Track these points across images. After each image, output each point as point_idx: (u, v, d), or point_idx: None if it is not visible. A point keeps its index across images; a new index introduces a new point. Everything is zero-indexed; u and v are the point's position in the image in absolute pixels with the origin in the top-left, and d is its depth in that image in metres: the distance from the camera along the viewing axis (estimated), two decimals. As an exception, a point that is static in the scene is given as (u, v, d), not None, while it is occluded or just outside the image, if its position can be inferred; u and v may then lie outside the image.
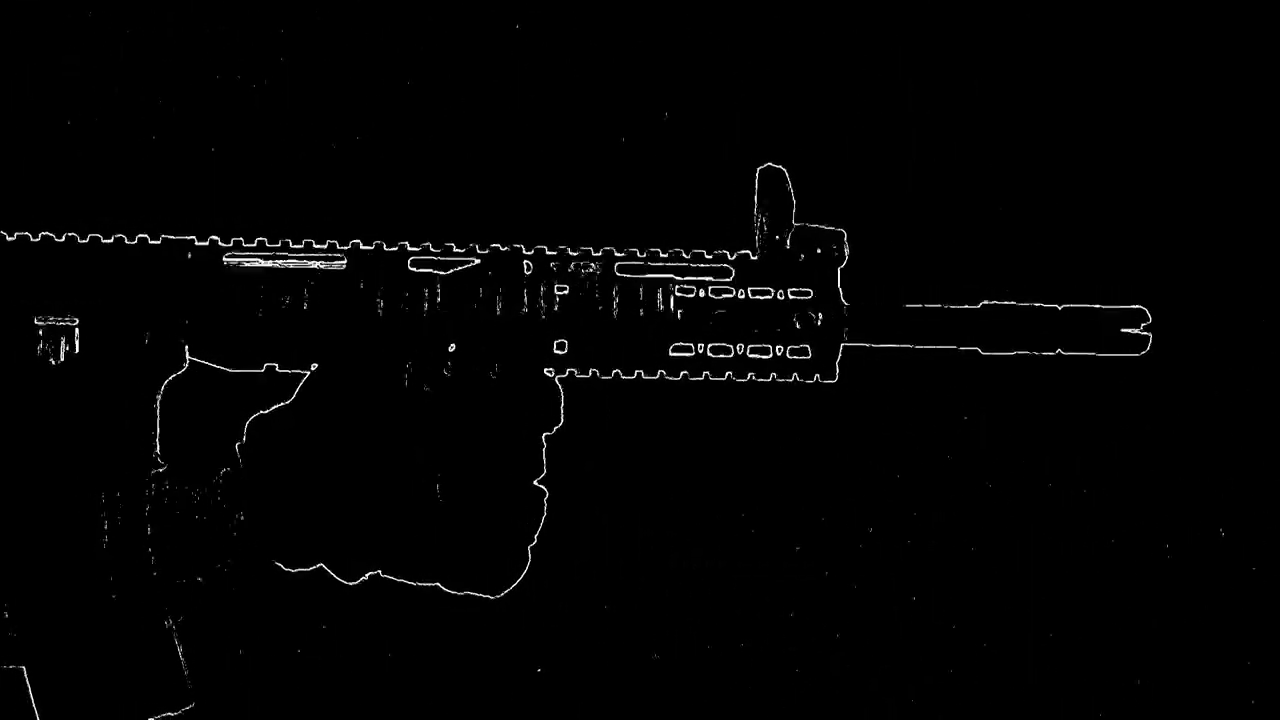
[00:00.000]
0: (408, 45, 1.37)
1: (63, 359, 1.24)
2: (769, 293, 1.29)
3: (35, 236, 1.25)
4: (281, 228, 1.28)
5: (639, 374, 1.29)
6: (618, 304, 1.28)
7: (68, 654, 1.24)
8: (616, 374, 1.28)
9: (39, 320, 1.24)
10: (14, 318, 1.24)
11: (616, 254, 1.29)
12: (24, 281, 1.24)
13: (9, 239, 1.25)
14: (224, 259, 1.26)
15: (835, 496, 1.37)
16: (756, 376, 1.29)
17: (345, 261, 1.27)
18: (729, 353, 1.29)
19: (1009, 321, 1.29)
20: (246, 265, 1.26)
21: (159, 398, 1.25)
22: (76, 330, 1.24)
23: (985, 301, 1.30)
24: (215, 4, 1.37)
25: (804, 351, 1.29)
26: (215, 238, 1.26)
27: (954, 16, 1.40)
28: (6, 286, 1.24)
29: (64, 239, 1.25)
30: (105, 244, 1.25)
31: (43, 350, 1.24)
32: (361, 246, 1.27)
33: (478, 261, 1.28)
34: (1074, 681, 1.38)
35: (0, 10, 1.36)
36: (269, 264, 1.26)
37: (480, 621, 1.34)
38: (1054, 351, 1.30)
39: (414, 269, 1.27)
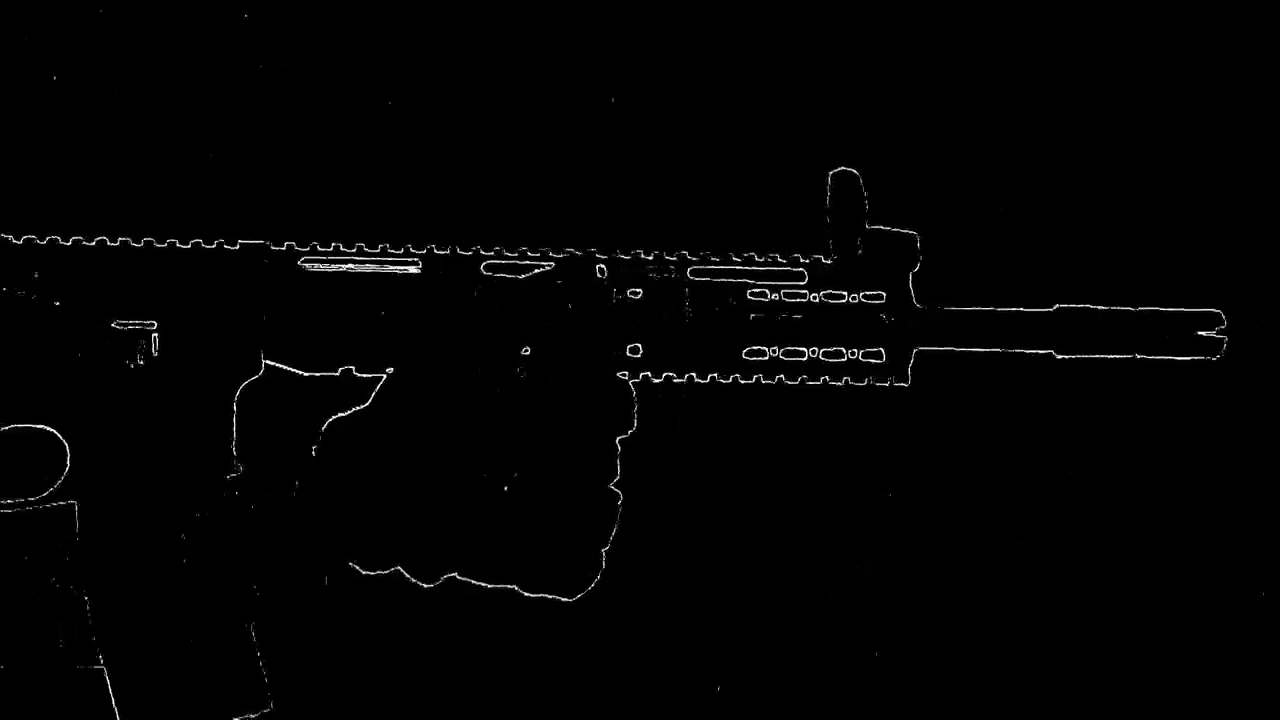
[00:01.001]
0: (472, 49, 1.38)
1: (141, 363, 1.25)
2: (842, 296, 1.29)
3: (113, 241, 1.26)
4: (354, 232, 1.29)
5: (712, 377, 1.29)
6: (691, 308, 1.29)
7: (148, 655, 1.25)
8: (690, 377, 1.29)
9: (117, 324, 1.25)
10: (93, 322, 1.25)
11: (690, 258, 1.29)
12: (103, 286, 1.25)
13: (88, 244, 1.26)
14: (300, 263, 1.27)
15: (907, 499, 1.37)
16: (829, 380, 1.29)
17: (420, 266, 1.28)
18: (802, 356, 1.29)
19: (1084, 324, 1.29)
20: (322, 269, 1.27)
21: (236, 401, 1.26)
22: (155, 335, 1.25)
23: (1059, 304, 1.30)
24: (290, 9, 1.38)
25: (877, 355, 1.29)
26: (291, 242, 1.27)
27: (1020, 19, 1.40)
28: (86, 291, 1.25)
29: (142, 244, 1.26)
30: (182, 249, 1.26)
31: (121, 354, 1.25)
32: (436, 251, 1.28)
33: (552, 266, 1.28)
34: (1152, 682, 1.37)
35: (54, 13, 1.37)
36: (345, 268, 1.27)
37: (544, 623, 1.34)
38: (1129, 355, 1.29)
39: (488, 273, 1.28)
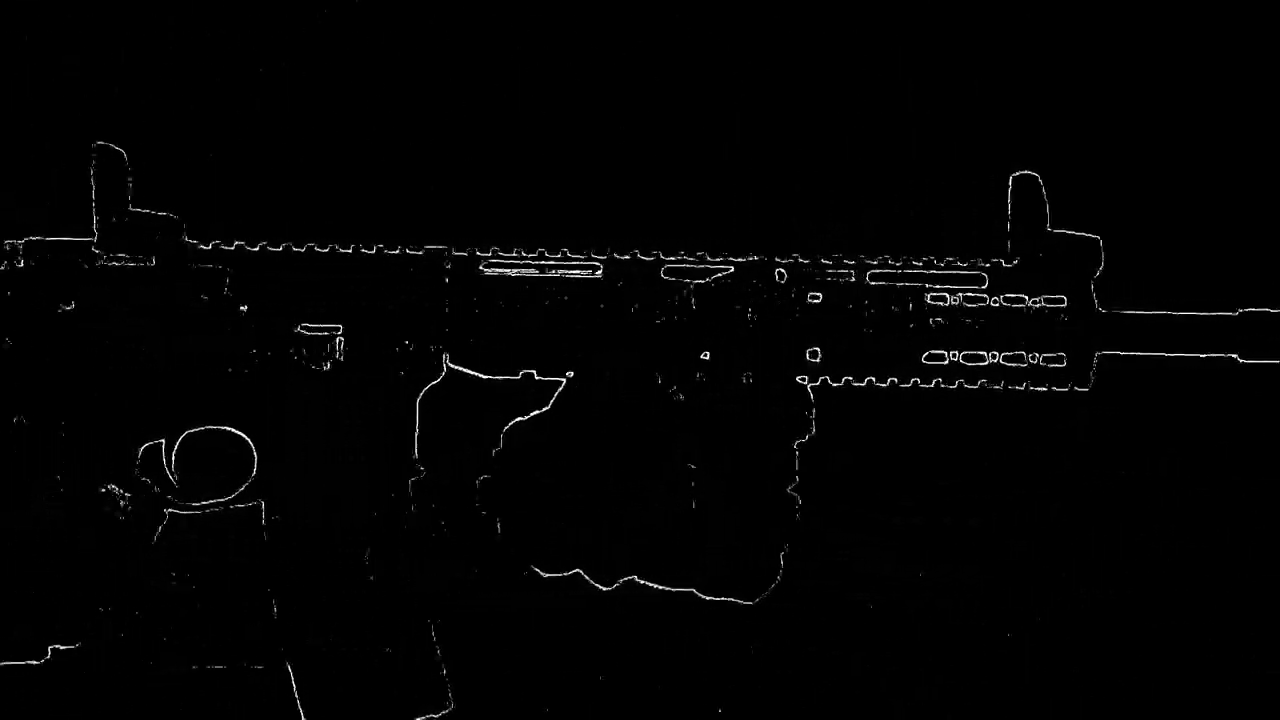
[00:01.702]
0: (645, 61, 1.38)
1: (326, 366, 1.27)
2: (1023, 300, 1.28)
3: (299, 247, 1.27)
4: (533, 237, 1.30)
5: (891, 381, 1.28)
6: (871, 312, 1.28)
7: (331, 654, 1.26)
8: (869, 381, 1.28)
9: (303, 328, 1.27)
10: (280, 326, 1.26)
11: (869, 261, 1.29)
12: (289, 290, 1.27)
13: (274, 249, 1.27)
14: (481, 268, 1.28)
15: (1086, 503, 1.36)
16: (1010, 384, 1.28)
17: (600, 270, 1.28)
18: (982, 360, 1.28)
19: (1270, 329, 1.28)
20: (504, 274, 1.28)
21: (418, 404, 1.27)
22: (340, 338, 1.27)
23: (1243, 309, 1.28)
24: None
25: (1058, 359, 1.28)
26: (474, 247, 1.28)
27: (1193, 23, 1.38)
28: (273, 295, 1.26)
29: (327, 249, 1.27)
30: (366, 253, 1.28)
31: (307, 357, 1.27)
32: (616, 255, 1.28)
33: (731, 270, 1.28)
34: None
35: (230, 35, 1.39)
36: (526, 273, 1.28)
37: (718, 623, 1.34)
38: (1315, 360, 1.28)
39: (668, 277, 1.28)
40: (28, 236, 1.26)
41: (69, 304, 1.25)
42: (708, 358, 1.28)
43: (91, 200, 1.26)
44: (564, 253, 1.28)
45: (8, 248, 1.26)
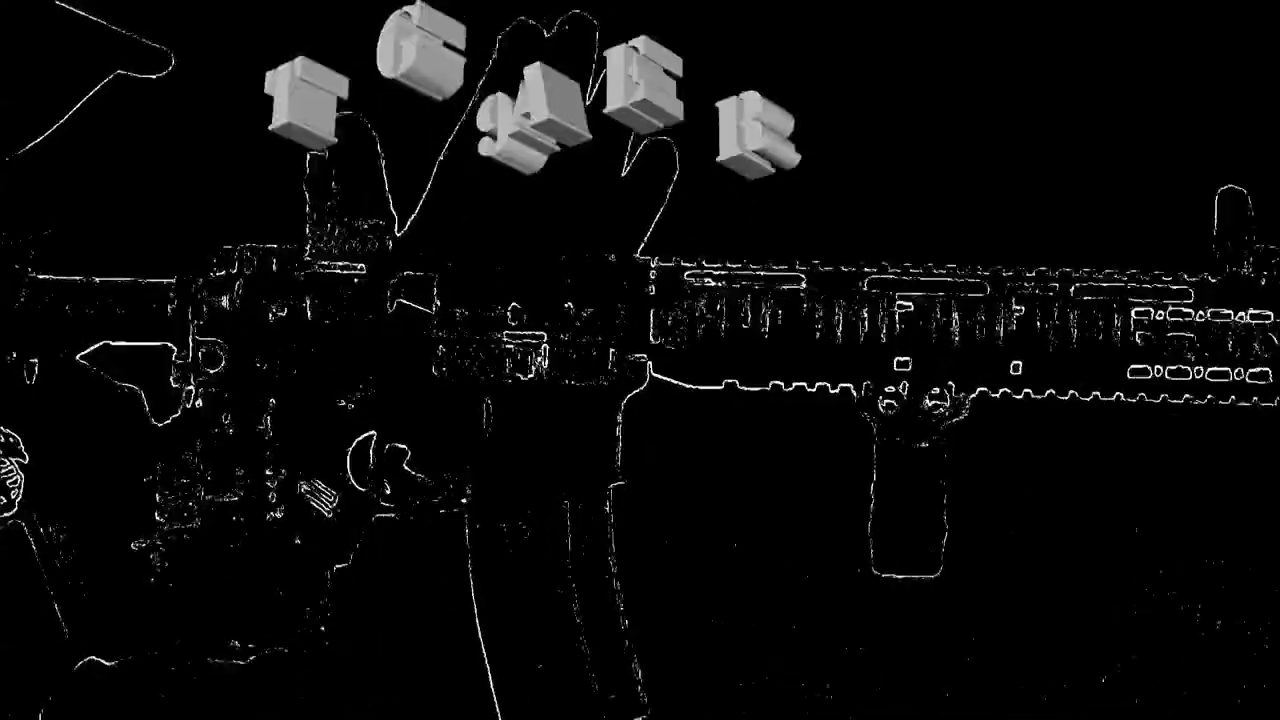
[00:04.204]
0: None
1: (531, 373, 1.28)
2: (1228, 315, 1.28)
3: (505, 255, 1.29)
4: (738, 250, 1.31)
5: (1095, 395, 1.28)
6: (1075, 325, 1.28)
7: (530, 660, 1.27)
8: (1073, 395, 1.28)
9: (508, 336, 1.28)
10: (486, 333, 1.28)
11: (1073, 275, 1.29)
12: (495, 298, 1.28)
13: (480, 257, 1.29)
14: (686, 277, 1.29)
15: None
16: (1216, 399, 1.27)
17: (804, 281, 1.29)
18: (1187, 375, 1.28)
19: None
20: (708, 284, 1.29)
21: (621, 412, 1.28)
22: (545, 345, 1.28)
23: None
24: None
25: (1264, 375, 1.27)
26: (678, 257, 1.29)
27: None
28: (480, 303, 1.28)
29: (532, 258, 1.29)
30: (570, 263, 1.29)
31: (513, 366, 1.28)
32: (820, 266, 1.29)
33: (935, 281, 1.29)
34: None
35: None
36: (730, 283, 1.29)
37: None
38: None
39: (870, 289, 1.29)
40: (242, 243, 1.29)
41: (281, 310, 1.28)
42: (910, 369, 1.28)
43: (305, 208, 1.29)
44: (768, 263, 1.29)
45: (223, 254, 1.29)
